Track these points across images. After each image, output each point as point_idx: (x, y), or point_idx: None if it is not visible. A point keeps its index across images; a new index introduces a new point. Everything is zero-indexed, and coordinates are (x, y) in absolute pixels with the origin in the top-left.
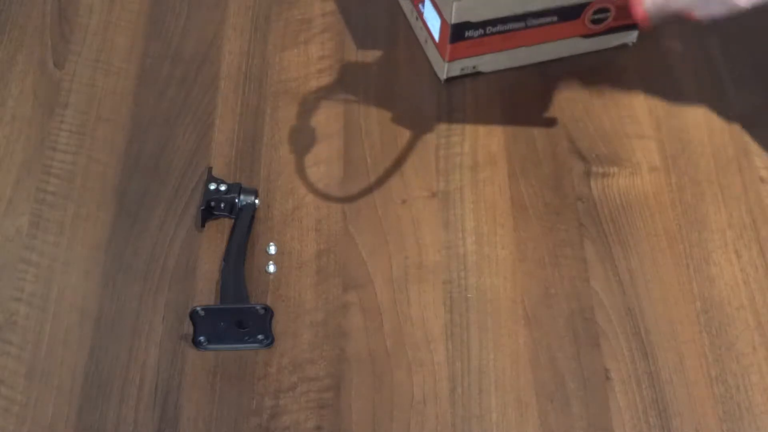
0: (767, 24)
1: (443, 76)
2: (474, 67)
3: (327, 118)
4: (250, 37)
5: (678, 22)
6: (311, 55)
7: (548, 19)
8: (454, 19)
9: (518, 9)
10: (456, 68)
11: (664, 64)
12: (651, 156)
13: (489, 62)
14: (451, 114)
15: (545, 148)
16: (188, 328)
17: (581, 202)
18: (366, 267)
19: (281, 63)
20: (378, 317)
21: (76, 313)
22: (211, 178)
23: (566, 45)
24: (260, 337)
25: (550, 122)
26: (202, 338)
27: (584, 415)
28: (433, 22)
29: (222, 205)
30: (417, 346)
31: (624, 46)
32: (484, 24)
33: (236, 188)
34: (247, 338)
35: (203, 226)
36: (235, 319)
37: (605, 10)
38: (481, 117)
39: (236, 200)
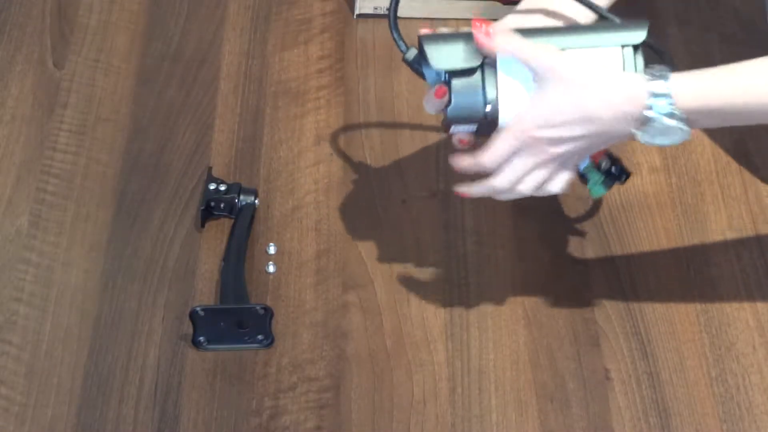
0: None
1: (356, 12)
2: (388, 9)
3: (327, 118)
4: (250, 37)
5: (678, 24)
6: (311, 55)
7: None
8: None
9: None
10: (369, 6)
11: (663, 63)
12: (651, 156)
13: (403, 7)
14: None
15: None
16: (188, 328)
17: (581, 202)
18: (366, 267)
19: (281, 63)
20: (378, 317)
21: (76, 313)
22: (211, 178)
23: (485, 7)
24: (260, 337)
25: None
26: (202, 338)
27: (584, 415)
28: None
29: (222, 205)
30: (417, 346)
31: None
32: None
33: (236, 188)
34: (246, 338)
35: (203, 226)
36: (235, 319)
37: None
38: None
39: (236, 200)
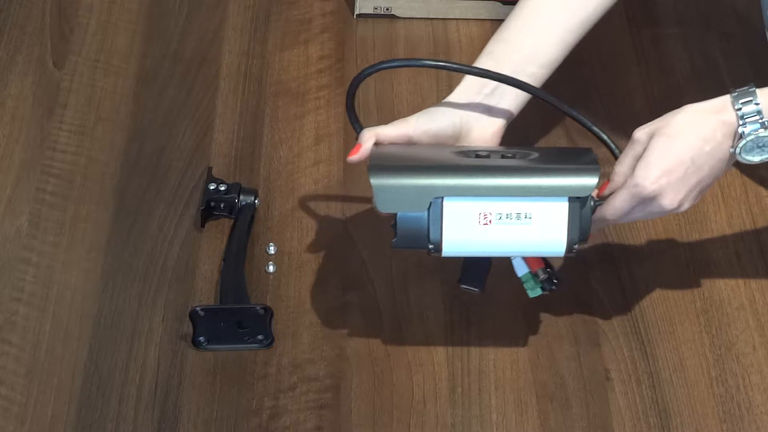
0: None
1: (356, 12)
2: (387, 9)
3: (327, 118)
4: (250, 37)
5: (678, 24)
6: (311, 55)
7: None
8: None
9: None
10: (369, 6)
11: (664, 64)
12: None
13: (403, 7)
14: None
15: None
16: (188, 328)
17: None
18: (366, 267)
19: (281, 63)
20: (378, 317)
21: (76, 313)
22: (211, 178)
23: (485, 7)
24: (260, 337)
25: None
26: (201, 338)
27: (584, 415)
28: None
29: (222, 205)
30: (417, 346)
31: None
32: None
33: (236, 188)
34: (246, 338)
35: (203, 226)
36: (235, 319)
37: None
38: None
39: (236, 200)
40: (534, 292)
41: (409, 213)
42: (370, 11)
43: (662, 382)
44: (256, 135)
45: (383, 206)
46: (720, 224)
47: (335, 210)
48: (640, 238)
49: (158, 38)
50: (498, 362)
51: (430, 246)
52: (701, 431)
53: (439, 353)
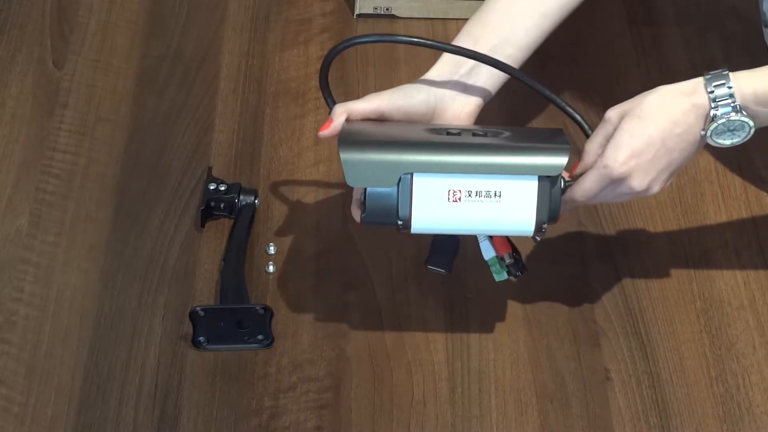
0: None
1: (356, 12)
2: (387, 9)
3: (327, 117)
4: (250, 37)
5: (678, 24)
6: (311, 55)
7: None
8: None
9: None
10: (369, 6)
11: (664, 64)
12: None
13: (403, 7)
14: None
15: None
16: (188, 328)
17: None
18: (366, 267)
19: (281, 63)
20: (378, 317)
21: (76, 313)
22: (211, 178)
23: None
24: (260, 337)
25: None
26: (201, 338)
27: (584, 415)
28: None
29: (222, 205)
30: (417, 346)
31: None
32: None
33: (236, 188)
34: (246, 338)
35: (203, 226)
36: (235, 319)
37: None
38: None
39: (236, 200)
40: (500, 276)
41: (379, 188)
42: (370, 11)
43: (662, 382)
44: (256, 135)
45: (353, 181)
46: (720, 224)
47: (335, 210)
48: (640, 238)
49: (158, 38)
50: (498, 362)
51: (399, 222)
52: (701, 431)
53: (439, 353)
